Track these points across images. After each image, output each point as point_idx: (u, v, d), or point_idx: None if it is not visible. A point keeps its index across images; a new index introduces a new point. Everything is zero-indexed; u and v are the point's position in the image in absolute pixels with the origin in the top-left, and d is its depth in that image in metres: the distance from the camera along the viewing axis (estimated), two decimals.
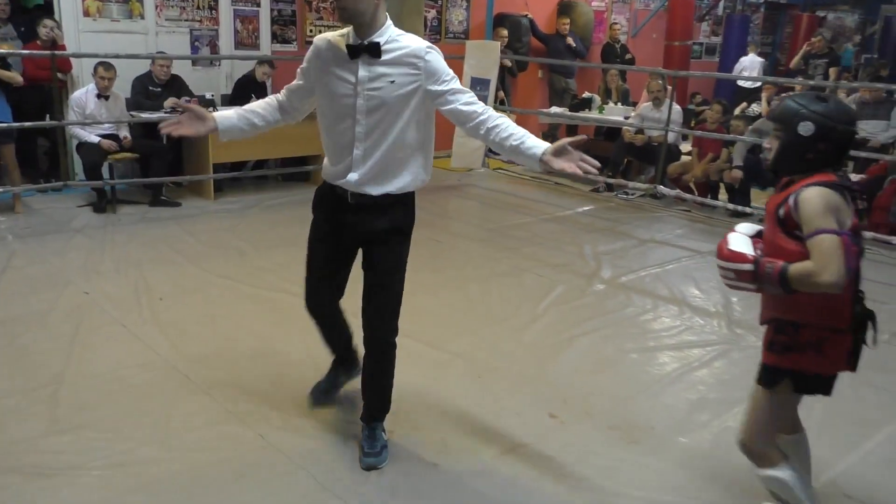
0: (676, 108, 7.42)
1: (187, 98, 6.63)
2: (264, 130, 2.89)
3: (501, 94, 8.77)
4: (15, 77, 5.99)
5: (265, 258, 5.19)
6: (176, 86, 6.81)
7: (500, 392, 3.49)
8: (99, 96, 6.23)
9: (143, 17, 7.15)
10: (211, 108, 6.62)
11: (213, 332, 3.97)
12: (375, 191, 2.70)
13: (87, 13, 6.83)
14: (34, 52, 6.20)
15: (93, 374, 3.46)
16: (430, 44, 2.68)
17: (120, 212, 6.24)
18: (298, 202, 6.89)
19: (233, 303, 4.41)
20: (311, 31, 8.39)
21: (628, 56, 10.50)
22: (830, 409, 3.22)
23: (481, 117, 2.63)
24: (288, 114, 2.86)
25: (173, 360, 3.64)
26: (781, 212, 2.18)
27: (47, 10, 7.08)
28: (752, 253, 2.18)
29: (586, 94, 8.91)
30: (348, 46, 2.58)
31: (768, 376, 2.30)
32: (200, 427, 3.07)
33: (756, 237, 2.29)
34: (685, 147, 7.83)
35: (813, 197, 2.11)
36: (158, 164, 6.54)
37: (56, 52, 6.10)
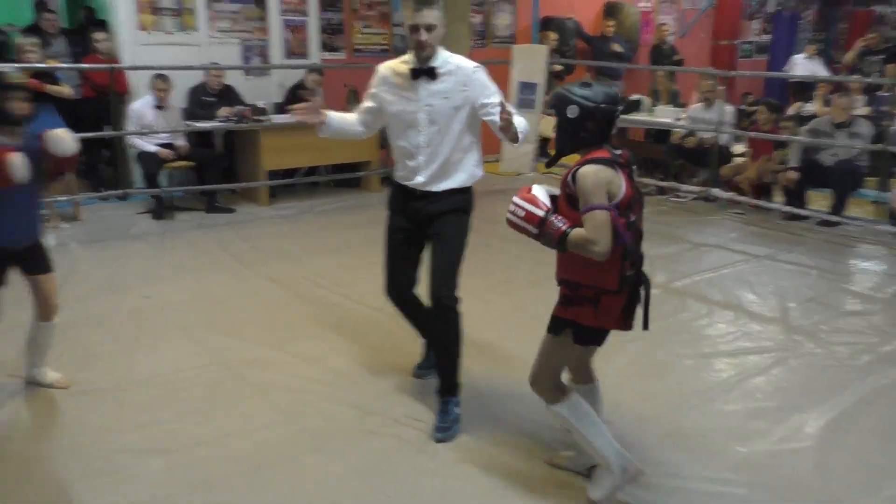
0: (728, 108, 7.31)
1: (240, 107, 6.77)
2: (354, 138, 3.46)
3: (548, 97, 8.74)
4: (63, 90, 6.16)
5: (317, 262, 5.27)
6: (229, 95, 6.96)
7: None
8: (156, 107, 6.41)
9: (196, 30, 7.33)
10: (263, 116, 6.80)
11: (268, 335, 4.04)
12: (438, 188, 3.19)
13: (142, 27, 7.02)
14: (93, 65, 6.40)
15: (154, 375, 3.57)
16: (476, 63, 3.19)
17: (177, 218, 6.40)
18: (349, 208, 6.99)
19: (286, 306, 4.49)
20: (358, 39, 8.49)
21: (677, 57, 10.37)
22: None
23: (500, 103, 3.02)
24: (364, 129, 3.40)
25: (230, 362, 3.72)
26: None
27: (102, 24, 7.32)
28: (548, 205, 2.45)
29: (635, 96, 8.82)
30: (411, 70, 3.09)
31: (554, 325, 2.61)
32: (258, 427, 3.14)
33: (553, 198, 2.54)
34: (738, 148, 7.69)
35: (587, 174, 2.37)
36: (213, 172, 6.69)
37: (114, 65, 6.29)
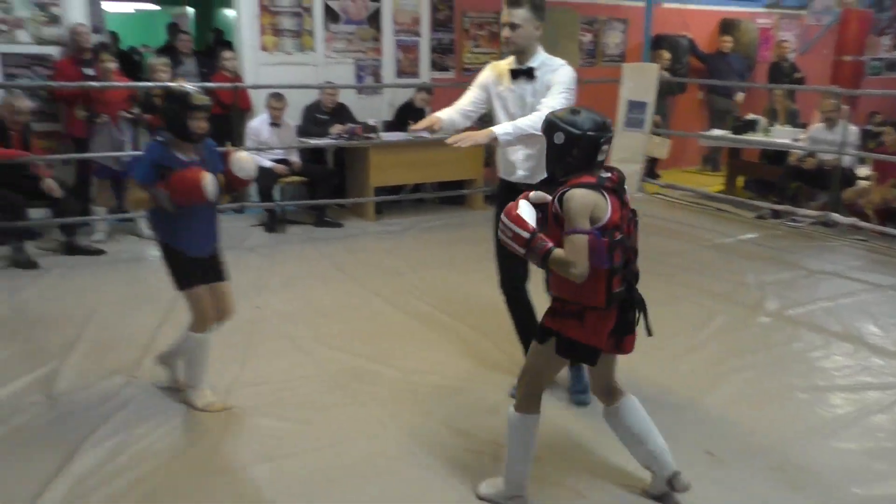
0: (852, 129, 6.95)
1: (351, 125, 6.98)
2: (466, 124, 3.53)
3: (657, 117, 8.56)
4: None
5: (421, 278, 5.34)
6: (341, 113, 7.18)
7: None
8: (272, 125, 6.70)
9: (313, 50, 7.62)
10: (373, 134, 6.98)
11: (371, 348, 4.13)
12: (537, 180, 3.28)
13: (264, 48, 7.36)
14: (218, 84, 6.76)
15: (262, 383, 3.71)
16: (565, 62, 3.35)
17: (288, 231, 6.66)
18: (454, 225, 7.06)
19: (390, 320, 4.58)
20: (467, 58, 8.59)
21: (798, 75, 9.94)
22: None
23: (536, 109, 3.22)
24: (474, 109, 3.51)
25: (334, 374, 3.82)
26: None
27: (229, 46, 7.73)
28: (533, 226, 2.50)
29: (750, 116, 8.51)
30: (511, 70, 3.34)
31: (541, 333, 2.67)
32: (357, 438, 3.20)
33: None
34: (862, 171, 7.28)
35: (573, 198, 2.45)
36: (324, 187, 6.92)
37: (237, 84, 6.63)
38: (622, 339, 2.63)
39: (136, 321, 4.46)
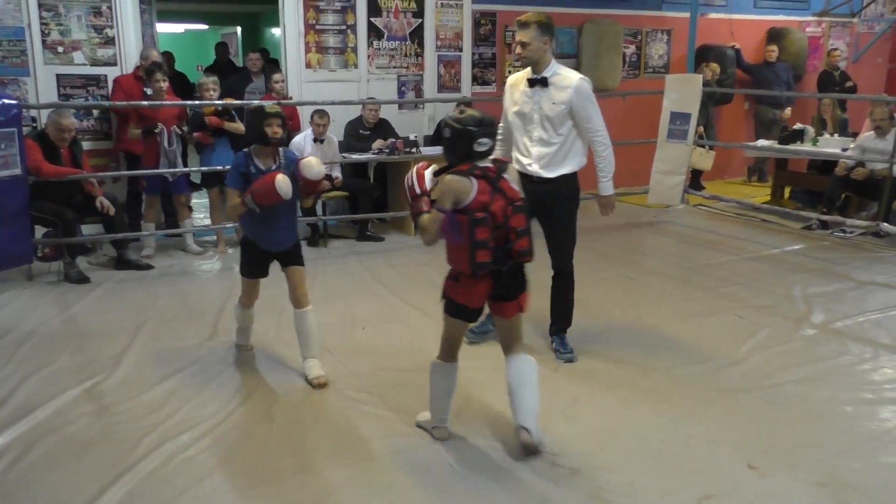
0: None
1: (393, 140, 7.06)
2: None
3: (700, 128, 8.46)
4: (239, 126, 6.67)
5: None
6: (383, 129, 7.27)
7: (693, 436, 3.34)
8: (315, 140, 6.81)
9: (356, 67, 7.74)
10: (414, 148, 7.04)
11: (409, 361, 4.15)
12: (548, 174, 4.00)
13: (308, 65, 7.51)
14: (262, 102, 6.90)
15: (303, 394, 3.77)
16: (582, 76, 3.94)
17: (330, 245, 6.75)
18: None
19: (428, 333, 4.59)
20: (509, 72, 8.62)
21: (849, 84, 9.74)
22: None
23: (594, 142, 4.02)
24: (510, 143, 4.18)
25: (371, 386, 3.86)
26: None
27: (276, 64, 7.91)
28: (427, 188, 3.04)
29: (798, 126, 8.35)
30: (528, 80, 3.96)
31: (441, 295, 3.17)
32: (390, 453, 3.23)
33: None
34: None
35: (443, 182, 2.98)
36: (365, 202, 7.00)
37: (281, 101, 6.76)
38: (501, 306, 3.16)
39: (183, 334, 4.57)
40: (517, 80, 4.05)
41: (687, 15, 8.56)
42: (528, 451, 3.12)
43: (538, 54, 3.88)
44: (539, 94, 3.93)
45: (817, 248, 6.58)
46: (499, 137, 4.04)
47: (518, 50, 3.92)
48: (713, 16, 9.72)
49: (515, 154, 4.09)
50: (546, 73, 3.91)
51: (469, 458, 3.16)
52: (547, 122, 3.94)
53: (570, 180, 4.07)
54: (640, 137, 8.31)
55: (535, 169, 3.99)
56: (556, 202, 4.06)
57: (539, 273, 3.62)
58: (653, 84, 8.83)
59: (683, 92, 7.50)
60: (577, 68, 8.93)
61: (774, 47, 9.72)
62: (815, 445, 3.28)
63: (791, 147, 7.98)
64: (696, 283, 5.61)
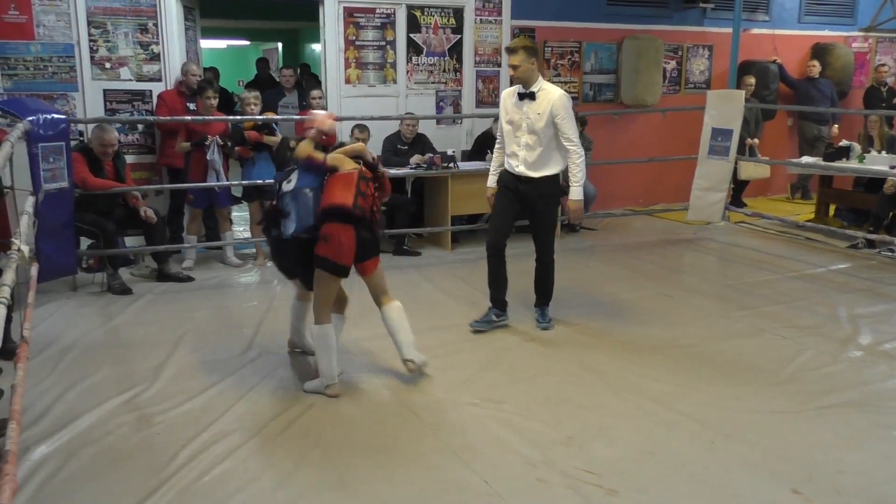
0: None
1: (430, 155, 7.08)
2: None
3: (750, 141, 8.35)
4: (278, 141, 6.74)
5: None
6: (421, 143, 7.30)
7: (734, 461, 3.27)
8: None
9: (395, 82, 7.80)
10: (452, 163, 7.04)
11: (446, 378, 4.15)
12: (533, 174, 4.65)
13: (348, 81, 7.58)
14: (302, 117, 6.98)
15: (338, 404, 3.78)
16: (562, 92, 4.59)
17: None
18: (530, 254, 6.99)
19: (467, 349, 4.58)
20: None
21: None
22: None
23: (568, 150, 4.62)
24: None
25: (408, 402, 3.86)
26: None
27: (316, 78, 7.99)
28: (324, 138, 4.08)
29: (844, 143, 8.18)
30: (518, 94, 4.64)
31: (315, 260, 3.83)
32: (429, 467, 3.22)
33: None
34: None
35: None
36: (402, 216, 7.02)
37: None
38: (363, 266, 3.96)
39: (221, 346, 4.62)
40: (509, 93, 4.72)
41: (729, 30, 8.46)
42: (418, 373, 4.05)
43: (527, 74, 4.55)
44: (528, 106, 4.59)
45: (863, 268, 6.43)
46: (497, 145, 4.90)
47: (510, 72, 4.59)
48: (756, 31, 9.60)
49: (507, 158, 4.75)
50: (534, 89, 4.57)
51: (499, 476, 3.13)
52: (533, 130, 4.58)
53: (551, 180, 4.68)
54: (680, 153, 8.24)
55: (522, 170, 4.65)
56: (539, 200, 4.69)
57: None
58: (694, 100, 8.75)
59: (725, 108, 7.41)
60: (616, 84, 8.96)
61: (816, 63, 9.57)
62: (861, 472, 3.18)
63: (837, 164, 7.81)
64: (737, 302, 5.51)
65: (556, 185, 4.76)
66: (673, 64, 9.30)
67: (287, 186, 3.91)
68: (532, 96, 4.57)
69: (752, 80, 8.74)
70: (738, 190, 8.63)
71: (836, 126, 9.44)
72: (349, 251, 3.81)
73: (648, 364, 4.35)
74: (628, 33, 8.86)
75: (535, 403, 3.84)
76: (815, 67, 9.51)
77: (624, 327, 4.97)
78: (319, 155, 3.92)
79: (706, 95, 7.72)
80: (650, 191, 9.23)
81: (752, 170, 8.31)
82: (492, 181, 4.95)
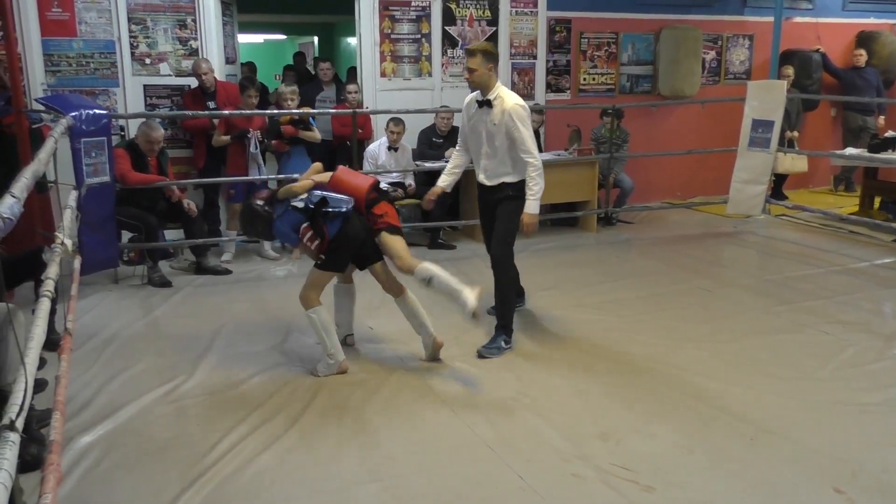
0: None
1: None
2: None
3: (789, 133, 8.19)
4: (314, 135, 6.77)
5: (531, 301, 5.31)
6: (456, 136, 7.26)
7: (774, 457, 3.21)
8: (389, 148, 6.87)
9: (430, 75, 7.79)
10: None
11: (477, 371, 4.14)
12: (490, 183, 4.52)
13: (383, 74, 7.59)
14: (337, 111, 7.02)
15: (373, 393, 3.80)
16: (517, 100, 4.34)
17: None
18: (565, 247, 6.99)
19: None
20: (584, 79, 8.53)
21: None
22: None
23: (525, 162, 4.34)
24: (466, 151, 4.75)
25: (443, 394, 3.86)
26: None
27: (352, 72, 8.01)
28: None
29: (889, 133, 7.97)
30: (477, 101, 4.44)
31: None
32: (463, 462, 3.22)
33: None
34: None
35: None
36: (438, 210, 7.01)
37: (357, 110, 6.86)
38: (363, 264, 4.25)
39: (258, 338, 4.67)
40: (471, 100, 4.53)
41: (770, 19, 8.29)
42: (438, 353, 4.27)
43: (483, 79, 4.32)
44: (486, 114, 4.39)
45: None
46: (457, 148, 4.82)
47: (467, 76, 4.38)
48: (798, 19, 9.39)
49: (475, 166, 4.63)
50: (490, 96, 4.35)
51: (534, 470, 3.11)
52: (491, 139, 4.40)
53: (509, 187, 4.46)
54: (719, 145, 8.11)
55: (482, 178, 4.55)
56: (497, 207, 4.51)
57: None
58: (733, 91, 8.60)
59: (766, 99, 7.26)
60: (654, 75, 8.84)
61: (863, 51, 9.33)
62: None
63: (882, 155, 7.61)
64: (777, 296, 5.41)
65: (515, 188, 4.43)
66: (712, 54, 9.15)
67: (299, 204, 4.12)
68: (489, 104, 4.35)
69: (790, 71, 8.54)
70: (779, 182, 8.47)
71: (882, 116, 9.21)
72: (347, 260, 4.19)
73: (686, 358, 4.29)
74: (666, 23, 8.73)
75: (570, 398, 3.81)
76: (861, 56, 9.28)
77: (661, 321, 4.91)
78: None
79: (747, 86, 7.57)
80: (688, 183, 9.10)
81: (790, 163, 8.14)
82: (441, 181, 4.78)
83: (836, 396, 3.80)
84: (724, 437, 3.39)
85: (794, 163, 8.17)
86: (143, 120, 6.01)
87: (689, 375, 4.05)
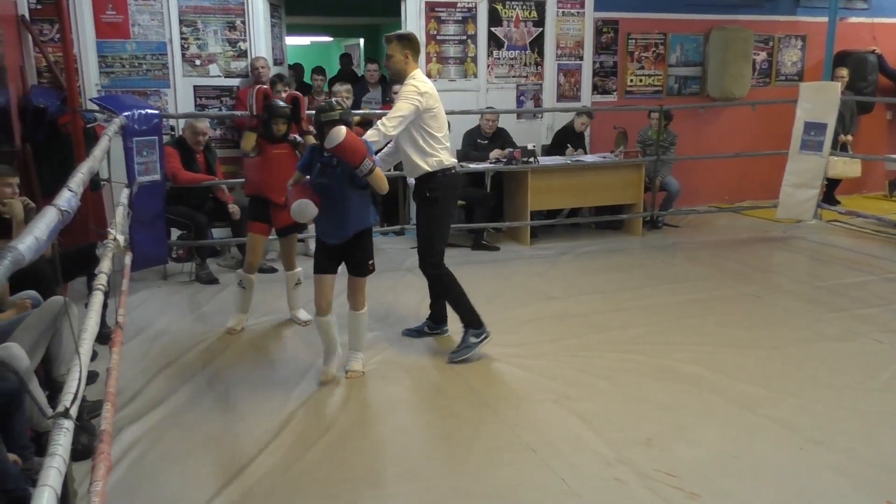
0: None
1: (510, 149, 7.04)
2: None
3: (843, 137, 7.99)
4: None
5: (572, 304, 5.28)
6: (501, 138, 7.27)
7: (824, 468, 3.14)
8: None
9: (476, 76, 7.79)
10: (532, 159, 6.97)
11: (521, 374, 4.13)
12: (410, 180, 4.40)
13: (428, 75, 7.61)
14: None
15: (411, 399, 3.80)
16: (425, 80, 4.23)
17: (446, 254, 6.76)
18: (609, 250, 6.93)
19: (534, 346, 4.54)
20: (631, 80, 8.44)
21: None
22: None
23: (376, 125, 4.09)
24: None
25: (486, 396, 3.85)
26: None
27: None
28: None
29: None
30: (395, 94, 4.52)
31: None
32: (502, 465, 3.21)
33: None
34: None
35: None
36: (481, 211, 7.01)
37: None
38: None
39: (300, 334, 4.72)
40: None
41: (823, 20, 8.11)
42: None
43: (399, 66, 4.17)
44: None
45: None
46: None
47: (385, 63, 4.29)
48: (853, 20, 9.15)
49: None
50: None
51: (577, 474, 3.09)
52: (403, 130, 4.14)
53: (426, 179, 4.22)
54: (769, 148, 7.95)
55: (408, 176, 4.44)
56: (418, 204, 4.37)
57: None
58: (785, 93, 8.42)
59: (819, 101, 7.09)
60: (703, 77, 8.70)
61: None
62: None
63: None
64: (829, 304, 5.28)
65: (432, 185, 4.21)
66: (763, 55, 8.98)
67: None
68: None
69: (845, 72, 8.32)
70: (831, 187, 8.26)
71: None
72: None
73: (732, 365, 4.21)
74: (716, 24, 8.59)
75: (613, 402, 3.78)
76: None
77: (707, 327, 4.83)
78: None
79: (799, 88, 7.41)
80: (737, 187, 8.94)
81: (842, 168, 7.95)
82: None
83: (887, 407, 3.69)
84: (770, 445, 3.32)
85: (847, 167, 7.97)
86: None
87: (734, 382, 3.97)
